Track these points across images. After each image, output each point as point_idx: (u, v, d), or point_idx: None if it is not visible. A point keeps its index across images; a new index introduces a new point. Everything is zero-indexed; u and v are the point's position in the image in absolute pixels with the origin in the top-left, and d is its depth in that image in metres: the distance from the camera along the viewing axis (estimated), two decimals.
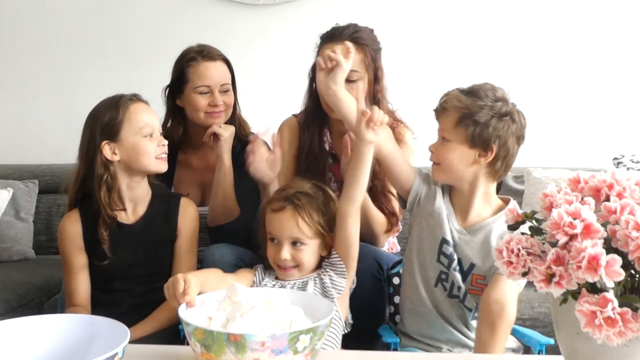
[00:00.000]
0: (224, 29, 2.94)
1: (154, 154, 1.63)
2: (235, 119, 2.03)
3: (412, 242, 1.62)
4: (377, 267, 1.70)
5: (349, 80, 1.69)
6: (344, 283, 1.46)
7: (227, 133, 1.90)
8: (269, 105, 2.56)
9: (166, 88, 2.03)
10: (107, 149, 1.61)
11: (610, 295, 0.86)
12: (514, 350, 1.56)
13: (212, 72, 1.95)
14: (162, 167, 1.67)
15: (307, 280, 1.48)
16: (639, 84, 2.90)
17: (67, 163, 2.79)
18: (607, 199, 0.97)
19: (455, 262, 1.53)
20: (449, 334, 1.56)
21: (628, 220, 0.89)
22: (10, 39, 3.08)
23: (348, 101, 1.54)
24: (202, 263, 1.75)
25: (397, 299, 1.70)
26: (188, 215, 1.74)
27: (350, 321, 1.53)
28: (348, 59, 1.54)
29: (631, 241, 0.87)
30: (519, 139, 1.50)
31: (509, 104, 1.49)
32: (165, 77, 2.04)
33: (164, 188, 1.79)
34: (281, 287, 1.45)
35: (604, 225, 0.92)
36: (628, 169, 2.55)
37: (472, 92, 1.48)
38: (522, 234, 1.00)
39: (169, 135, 2.01)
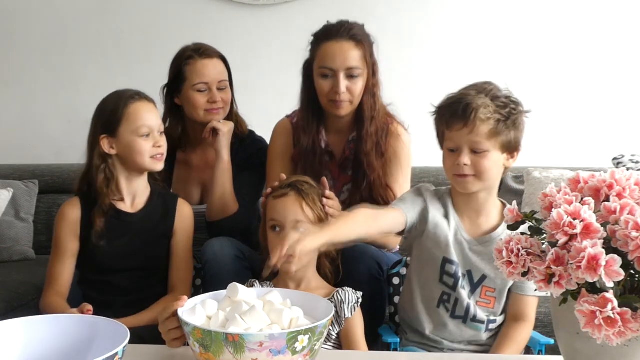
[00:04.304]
0: (224, 29, 2.94)
1: (149, 154, 1.66)
2: (232, 116, 2.04)
3: (413, 262, 1.60)
4: (377, 268, 1.70)
5: (351, 77, 1.78)
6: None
7: (226, 128, 1.92)
8: (268, 105, 2.55)
9: (164, 87, 2.04)
10: (105, 143, 1.66)
11: (610, 295, 0.86)
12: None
13: (210, 70, 1.96)
14: (158, 166, 1.69)
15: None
16: (639, 84, 2.90)
17: (67, 163, 2.81)
18: (607, 199, 0.97)
19: (461, 279, 1.50)
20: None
21: (628, 220, 0.89)
22: (11, 39, 3.07)
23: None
24: (201, 257, 1.77)
25: (397, 299, 1.70)
26: (184, 215, 1.77)
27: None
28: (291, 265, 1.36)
29: (631, 241, 0.87)
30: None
31: (509, 93, 1.47)
32: (165, 77, 2.04)
33: (161, 187, 1.81)
34: None
35: (604, 225, 0.92)
36: (628, 169, 2.55)
37: (494, 97, 1.43)
38: (522, 234, 1.01)
39: (168, 134, 2.01)
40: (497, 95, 1.44)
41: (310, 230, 1.32)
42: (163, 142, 1.69)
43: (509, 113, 1.42)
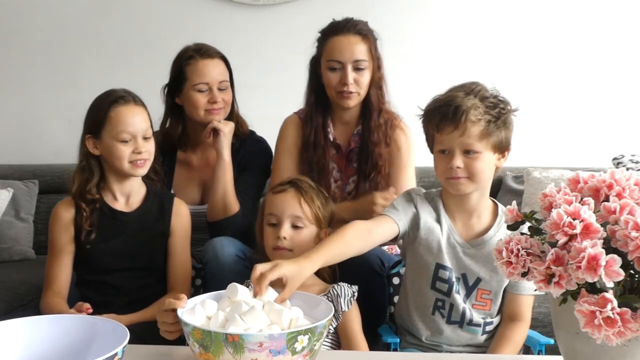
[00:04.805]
0: (224, 29, 2.94)
1: (128, 160, 1.64)
2: (233, 117, 2.04)
3: (407, 269, 1.60)
4: (379, 263, 1.71)
5: (358, 69, 1.86)
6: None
7: (226, 128, 1.92)
8: (269, 105, 2.56)
9: (165, 87, 2.04)
10: (90, 143, 1.67)
11: (609, 295, 0.86)
12: None
13: (211, 70, 1.97)
14: (138, 172, 1.67)
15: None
16: (639, 84, 2.90)
17: (67, 163, 2.80)
18: (607, 199, 0.97)
19: (456, 284, 1.50)
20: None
21: (627, 220, 0.89)
22: (11, 38, 3.07)
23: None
24: (202, 257, 1.77)
25: (397, 299, 1.70)
26: (181, 214, 1.77)
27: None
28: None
29: (631, 241, 0.88)
30: None
31: (497, 92, 1.46)
32: (165, 77, 2.04)
33: (159, 186, 1.82)
34: None
35: (604, 225, 0.92)
36: (628, 169, 2.55)
37: (482, 98, 1.42)
38: (522, 234, 1.01)
39: (168, 134, 2.03)
40: (486, 95, 1.44)
41: (305, 256, 1.32)
42: (146, 147, 1.66)
43: (499, 113, 1.42)
